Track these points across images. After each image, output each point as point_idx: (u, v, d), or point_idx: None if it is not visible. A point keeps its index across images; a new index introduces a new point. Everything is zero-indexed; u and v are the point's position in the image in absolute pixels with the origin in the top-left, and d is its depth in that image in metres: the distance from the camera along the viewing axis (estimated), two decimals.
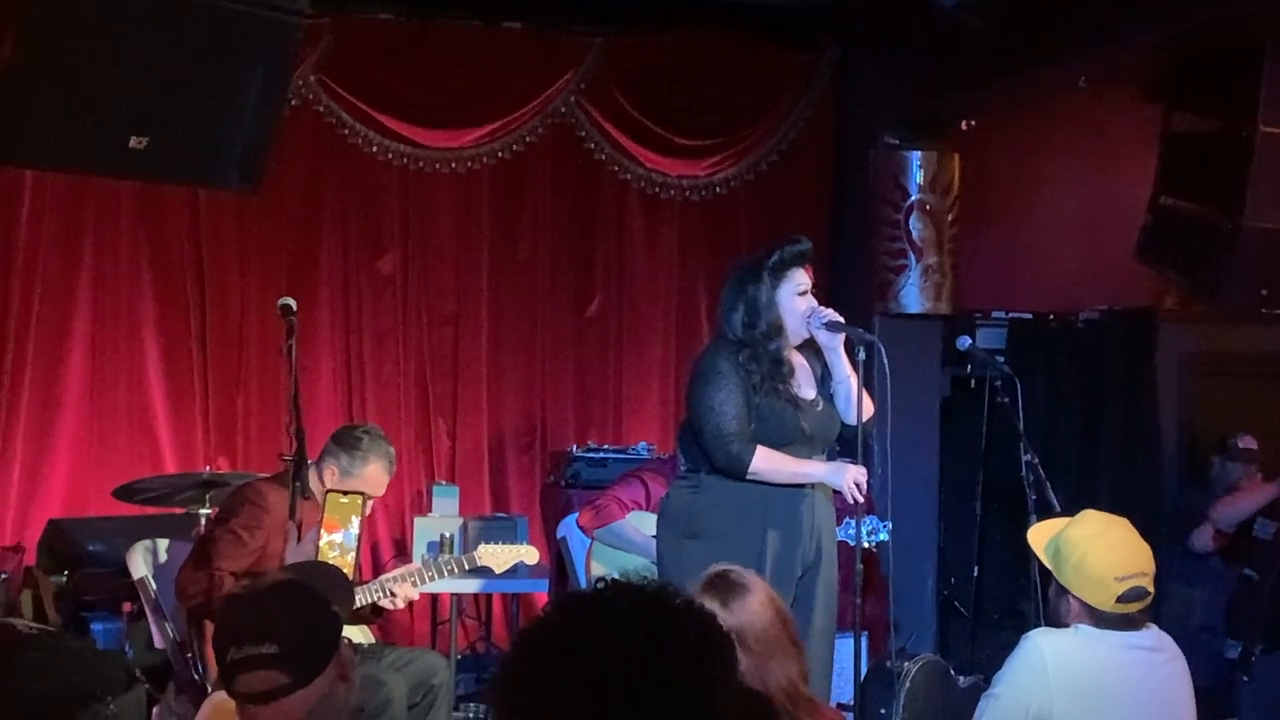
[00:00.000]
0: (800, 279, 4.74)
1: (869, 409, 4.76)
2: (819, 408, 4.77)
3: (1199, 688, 3.65)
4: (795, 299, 4.72)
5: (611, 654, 1.73)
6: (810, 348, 4.83)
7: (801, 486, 4.68)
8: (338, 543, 4.67)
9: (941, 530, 7.97)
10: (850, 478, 4.62)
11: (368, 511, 4.97)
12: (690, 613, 1.82)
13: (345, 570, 4.64)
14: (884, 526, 5.41)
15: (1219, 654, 6.57)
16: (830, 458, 4.83)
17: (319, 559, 4.57)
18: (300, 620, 2.84)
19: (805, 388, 4.78)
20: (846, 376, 4.75)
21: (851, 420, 4.76)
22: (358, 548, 4.70)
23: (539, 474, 8.06)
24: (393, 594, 5.25)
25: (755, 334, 4.68)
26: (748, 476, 4.61)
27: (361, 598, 5.15)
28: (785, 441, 4.67)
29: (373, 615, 5.40)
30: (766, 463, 4.61)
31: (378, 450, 5.20)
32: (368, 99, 7.71)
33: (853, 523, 4.92)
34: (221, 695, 2.92)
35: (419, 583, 5.36)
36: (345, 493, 4.77)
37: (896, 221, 7.71)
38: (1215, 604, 6.85)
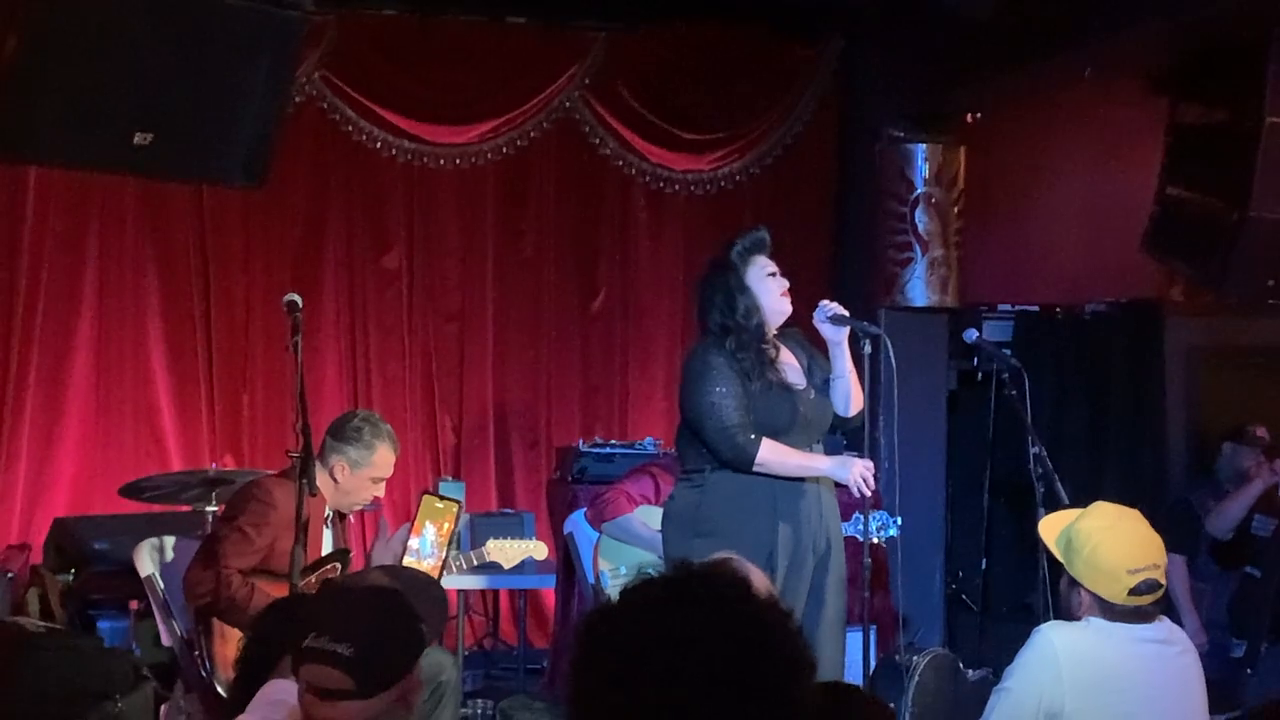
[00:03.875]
0: (764, 263, 4.79)
1: (858, 402, 4.78)
2: (811, 396, 4.78)
3: (1205, 680, 3.64)
4: (766, 280, 4.76)
5: (707, 639, 1.70)
6: (793, 340, 4.85)
7: (806, 479, 4.68)
8: (414, 547, 4.64)
9: (949, 524, 7.95)
10: (857, 471, 4.61)
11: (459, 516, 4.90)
12: (772, 602, 1.80)
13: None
14: (893, 522, 5.39)
15: (1224, 648, 6.55)
16: (832, 450, 4.83)
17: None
18: (384, 631, 2.75)
19: (793, 377, 4.79)
20: (846, 372, 4.75)
21: (843, 412, 4.77)
22: (440, 554, 4.65)
23: (545, 470, 8.05)
24: None
25: (736, 318, 4.71)
26: (754, 468, 4.61)
27: None
28: (782, 428, 4.67)
29: None
30: (773, 454, 4.60)
31: (379, 434, 5.18)
32: (372, 95, 7.70)
33: (861, 517, 4.91)
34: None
35: None
36: (442, 498, 4.73)
37: (902, 215, 7.69)
38: (1219, 599, 6.83)
